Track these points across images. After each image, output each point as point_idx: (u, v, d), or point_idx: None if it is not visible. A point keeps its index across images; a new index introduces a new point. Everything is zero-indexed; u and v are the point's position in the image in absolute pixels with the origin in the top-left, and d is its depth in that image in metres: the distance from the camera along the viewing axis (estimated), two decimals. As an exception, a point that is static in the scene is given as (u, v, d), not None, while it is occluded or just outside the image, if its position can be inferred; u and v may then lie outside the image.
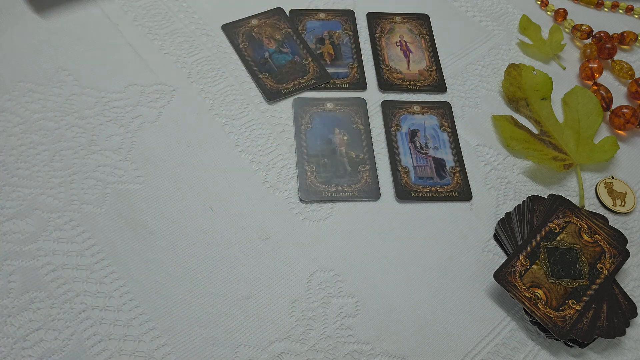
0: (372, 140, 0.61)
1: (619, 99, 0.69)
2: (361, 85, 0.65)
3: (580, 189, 0.59)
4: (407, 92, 0.65)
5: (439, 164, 0.60)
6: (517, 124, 0.63)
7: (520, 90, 0.66)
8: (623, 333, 0.49)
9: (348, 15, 0.71)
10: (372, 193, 0.57)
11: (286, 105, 0.63)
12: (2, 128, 0.57)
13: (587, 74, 0.69)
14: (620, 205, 0.59)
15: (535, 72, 0.67)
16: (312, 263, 0.52)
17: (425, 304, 0.51)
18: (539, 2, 0.77)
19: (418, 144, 0.61)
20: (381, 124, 0.63)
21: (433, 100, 0.65)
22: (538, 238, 0.53)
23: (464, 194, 0.58)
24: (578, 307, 0.49)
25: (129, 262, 0.50)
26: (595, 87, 0.67)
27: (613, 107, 0.66)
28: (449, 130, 0.62)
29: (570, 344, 0.49)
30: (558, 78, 0.69)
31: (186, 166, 0.57)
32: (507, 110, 0.66)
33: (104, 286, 0.49)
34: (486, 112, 0.65)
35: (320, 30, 0.69)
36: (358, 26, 0.71)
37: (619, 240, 0.54)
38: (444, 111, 0.64)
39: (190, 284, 0.50)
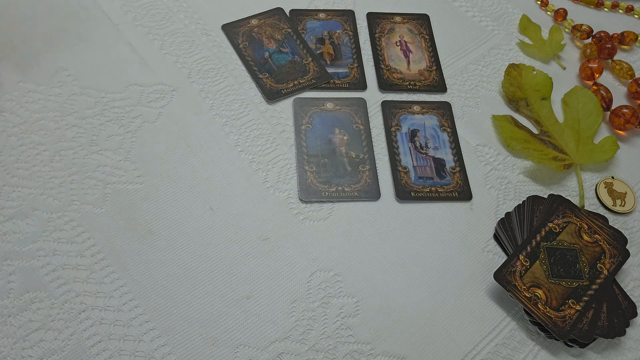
0: (372, 140, 0.61)
1: (619, 99, 0.69)
2: (361, 85, 0.65)
3: (580, 189, 0.59)
4: (407, 92, 0.65)
5: (439, 164, 0.60)
6: (517, 124, 0.63)
7: (520, 90, 0.66)
8: (623, 333, 0.49)
9: (348, 15, 0.71)
10: (372, 193, 0.57)
11: (286, 105, 0.63)
12: (2, 128, 0.57)
13: (587, 74, 0.69)
14: (620, 205, 0.59)
15: (535, 72, 0.67)
16: (312, 263, 0.52)
17: (425, 304, 0.51)
18: (539, 2, 0.77)
19: (418, 144, 0.61)
20: (381, 124, 0.63)
21: (433, 100, 0.65)
22: (538, 238, 0.53)
23: (464, 194, 0.58)
24: (578, 307, 0.49)
25: (129, 262, 0.50)
26: (595, 87, 0.67)
27: (613, 107, 0.66)
28: (449, 130, 0.62)
29: (570, 344, 0.49)
30: (558, 78, 0.69)
31: (186, 166, 0.57)
32: (507, 110, 0.66)
33: (104, 286, 0.49)
34: (486, 112, 0.65)
35: (320, 30, 0.69)
36: (358, 26, 0.71)
37: (619, 240, 0.54)
38: (444, 111, 0.64)
39: (190, 284, 0.50)
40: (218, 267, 0.51)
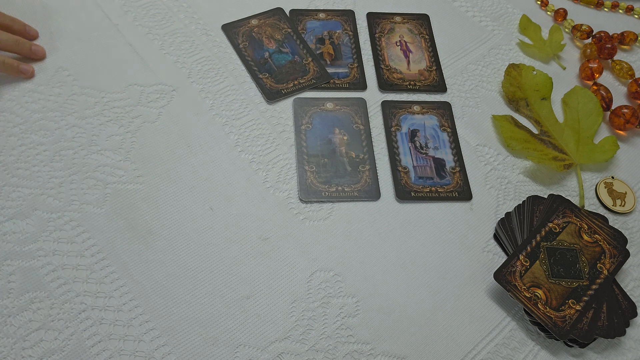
0: (372, 140, 0.61)
1: (619, 99, 0.69)
2: (361, 85, 0.65)
3: (580, 189, 0.59)
4: (407, 92, 0.65)
5: (439, 164, 0.60)
6: (517, 124, 0.63)
7: (520, 90, 0.66)
8: (623, 333, 0.49)
9: (348, 15, 0.71)
10: (372, 193, 0.57)
11: (286, 105, 0.63)
12: (2, 128, 0.57)
13: (587, 74, 0.69)
14: (620, 205, 0.59)
15: (535, 72, 0.67)
16: (312, 263, 0.52)
17: (425, 304, 0.51)
18: (539, 2, 0.77)
19: (418, 144, 0.61)
20: (381, 124, 0.63)
21: (433, 100, 0.65)
22: (538, 238, 0.53)
23: (464, 194, 0.58)
24: (578, 307, 0.49)
25: (129, 262, 0.50)
26: (595, 87, 0.67)
27: (613, 107, 0.66)
28: (449, 130, 0.62)
29: (570, 344, 0.49)
30: (558, 78, 0.69)
31: (186, 166, 0.57)
32: (507, 110, 0.66)
33: (104, 286, 0.49)
34: (486, 112, 0.65)
35: (320, 30, 0.69)
36: (358, 26, 0.71)
37: (619, 240, 0.54)
38: (444, 111, 0.64)
39: (190, 284, 0.50)
40: (218, 267, 0.51)
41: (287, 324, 0.49)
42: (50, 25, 0.65)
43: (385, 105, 0.64)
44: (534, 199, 0.56)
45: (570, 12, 0.77)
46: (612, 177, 0.61)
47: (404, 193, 0.57)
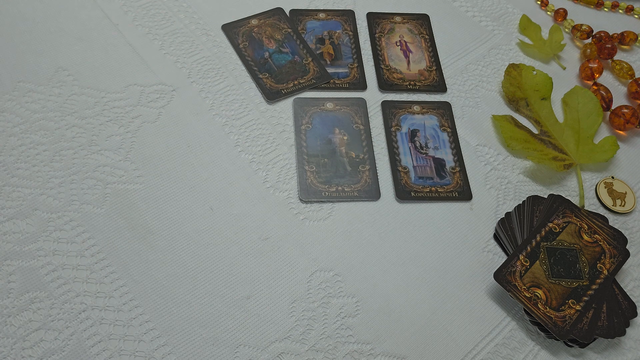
0: (372, 140, 0.61)
1: (619, 99, 0.69)
2: (361, 85, 0.65)
3: (580, 189, 0.59)
4: (407, 92, 0.65)
5: (439, 164, 0.60)
6: (517, 124, 0.63)
7: (520, 90, 0.66)
8: (623, 333, 0.49)
9: (348, 15, 0.71)
10: (372, 193, 0.57)
11: (286, 105, 0.63)
12: (2, 128, 0.57)
13: (587, 74, 0.69)
14: (620, 205, 0.59)
15: (535, 72, 0.67)
16: (312, 263, 0.52)
17: (425, 304, 0.51)
18: (539, 2, 0.78)
19: (418, 144, 0.61)
20: (381, 124, 0.63)
21: (433, 100, 0.65)
22: (538, 238, 0.53)
23: (464, 194, 0.58)
24: (578, 307, 0.49)
25: (129, 262, 0.50)
26: (595, 87, 0.67)
27: (613, 107, 0.66)
28: (449, 130, 0.62)
29: (570, 344, 0.49)
30: (558, 78, 0.69)
31: (186, 166, 0.57)
32: (507, 110, 0.66)
33: (104, 286, 0.49)
34: (486, 112, 0.65)
35: (320, 30, 0.69)
36: (358, 26, 0.71)
37: (619, 240, 0.54)
38: (444, 111, 0.64)
39: (190, 284, 0.50)
40: (218, 267, 0.51)
41: (287, 324, 0.49)
42: (50, 25, 0.65)
43: (385, 105, 0.64)
44: (534, 199, 0.56)
45: (570, 12, 0.77)
46: (612, 177, 0.61)
47: (404, 193, 0.57)
